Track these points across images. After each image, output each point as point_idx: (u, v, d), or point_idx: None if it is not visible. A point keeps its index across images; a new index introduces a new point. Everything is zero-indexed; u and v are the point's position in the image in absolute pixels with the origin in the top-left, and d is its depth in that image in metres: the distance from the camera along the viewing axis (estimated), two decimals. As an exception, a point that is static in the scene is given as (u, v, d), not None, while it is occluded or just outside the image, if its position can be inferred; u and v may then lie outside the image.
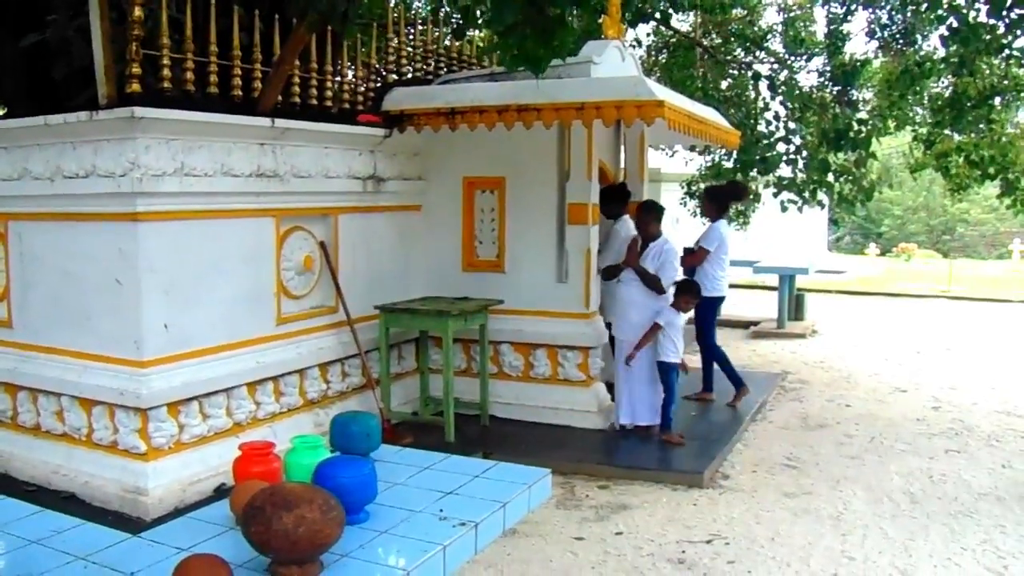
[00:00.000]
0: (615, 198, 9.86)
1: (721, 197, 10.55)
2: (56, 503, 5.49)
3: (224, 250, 7.52)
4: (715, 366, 10.52)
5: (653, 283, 8.96)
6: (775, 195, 15.70)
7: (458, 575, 3.65)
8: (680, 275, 9.33)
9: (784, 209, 15.80)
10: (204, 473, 7.13)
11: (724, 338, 15.60)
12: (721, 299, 10.40)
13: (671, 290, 9.08)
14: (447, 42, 11.03)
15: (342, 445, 4.11)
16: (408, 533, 3.55)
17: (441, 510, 3.78)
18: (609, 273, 9.35)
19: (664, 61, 18.31)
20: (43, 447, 7.59)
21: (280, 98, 8.12)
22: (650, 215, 9.25)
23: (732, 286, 20.46)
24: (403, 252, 9.58)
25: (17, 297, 7.85)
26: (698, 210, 9.99)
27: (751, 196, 18.38)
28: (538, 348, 9.35)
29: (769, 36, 18.54)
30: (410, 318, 8.85)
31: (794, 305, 17.18)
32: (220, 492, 6.97)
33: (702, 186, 20.15)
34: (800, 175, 15.17)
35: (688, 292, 9.06)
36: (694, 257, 10.19)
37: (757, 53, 18.48)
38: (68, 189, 7.19)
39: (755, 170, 15.59)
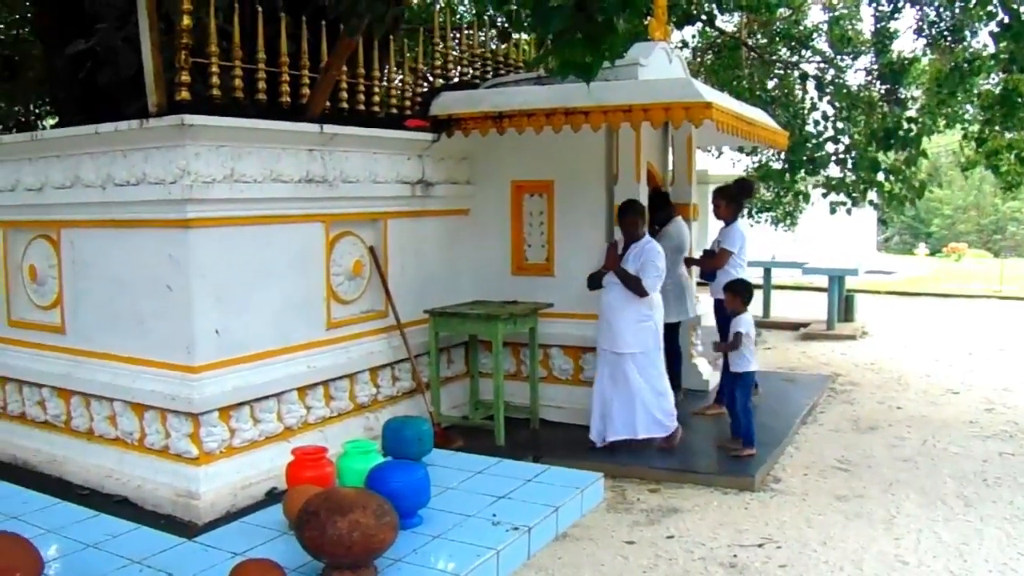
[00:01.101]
0: (653, 206, 9.71)
1: (736, 196, 10.06)
2: (109, 507, 5.54)
3: (274, 256, 7.56)
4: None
5: (633, 285, 8.39)
6: (824, 196, 15.61)
7: (509, 579, 3.64)
8: (662, 277, 8.53)
9: (833, 211, 15.70)
10: (255, 477, 7.17)
11: (774, 340, 15.56)
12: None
13: (655, 294, 8.52)
14: (493, 46, 11.03)
15: (394, 450, 4.11)
16: (461, 537, 3.54)
17: (494, 514, 3.77)
18: (592, 282, 8.77)
19: (710, 62, 18.25)
20: (96, 451, 7.66)
21: (328, 104, 8.16)
22: (632, 215, 8.58)
23: (780, 287, 20.52)
24: (452, 256, 9.59)
25: (70, 303, 7.93)
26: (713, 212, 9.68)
27: (802, 196, 18.30)
28: (588, 351, 9.30)
29: (815, 35, 18.46)
30: (460, 322, 8.85)
31: (844, 306, 17.04)
32: (271, 496, 7.00)
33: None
34: (849, 175, 15.06)
35: (736, 291, 8.84)
36: (716, 260, 9.82)
37: (803, 52, 18.40)
38: (119, 196, 7.25)
39: (804, 171, 15.50)
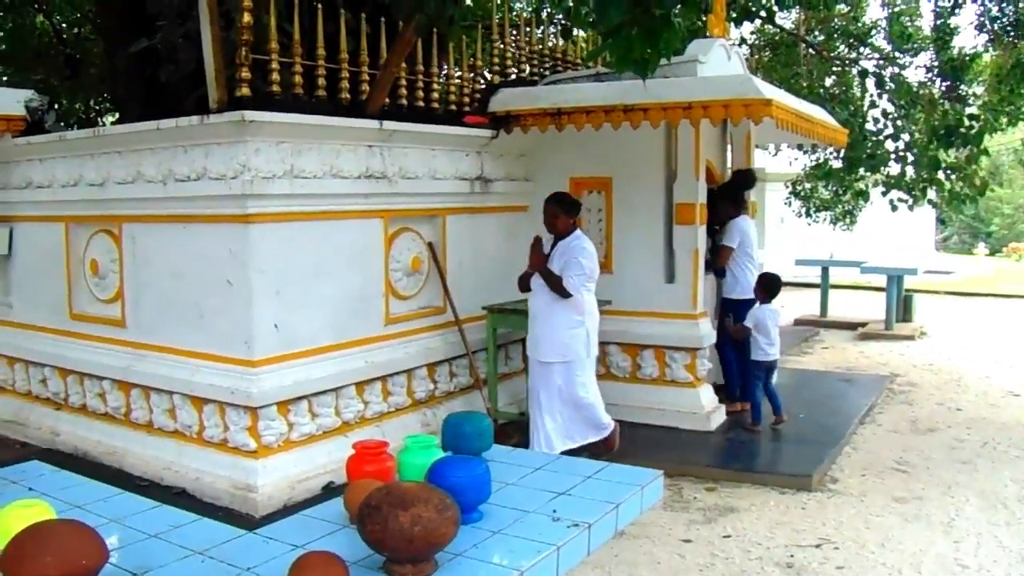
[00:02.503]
0: (711, 203, 9.59)
1: (732, 190, 9.87)
2: (168, 498, 5.58)
3: (333, 251, 7.60)
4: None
5: (556, 286, 7.80)
6: (884, 194, 15.47)
7: (567, 576, 3.63)
8: (591, 277, 7.95)
9: (894, 208, 15.57)
10: (312, 471, 7.22)
11: (831, 339, 15.44)
12: (751, 301, 9.50)
13: (587, 296, 7.94)
14: (551, 43, 11.03)
15: (454, 445, 4.10)
16: (521, 533, 3.52)
17: (554, 510, 3.74)
18: (522, 283, 8.23)
19: (767, 59, 18.14)
20: (155, 443, 7.75)
21: (387, 100, 8.18)
22: (557, 207, 8.05)
23: (838, 286, 20.36)
24: (510, 252, 9.57)
25: (131, 297, 8.02)
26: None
27: (861, 194, 18.14)
28: (645, 349, 9.30)
29: (873, 32, 18.30)
30: (517, 318, 8.82)
31: (902, 306, 16.86)
32: (328, 490, 7.05)
33: (807, 186, 19.96)
34: (909, 173, 14.91)
35: (762, 285, 9.18)
36: (719, 258, 9.72)
37: (861, 49, 18.24)
38: (180, 192, 7.33)
39: (863, 169, 15.38)
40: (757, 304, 9.18)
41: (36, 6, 15.55)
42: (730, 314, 9.55)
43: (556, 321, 7.89)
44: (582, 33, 11.29)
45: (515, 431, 8.55)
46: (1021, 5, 14.85)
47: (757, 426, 9.15)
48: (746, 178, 10.03)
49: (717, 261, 9.71)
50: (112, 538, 3.31)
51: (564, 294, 7.78)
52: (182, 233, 7.49)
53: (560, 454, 7.49)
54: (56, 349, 8.69)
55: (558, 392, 7.98)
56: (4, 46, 16.50)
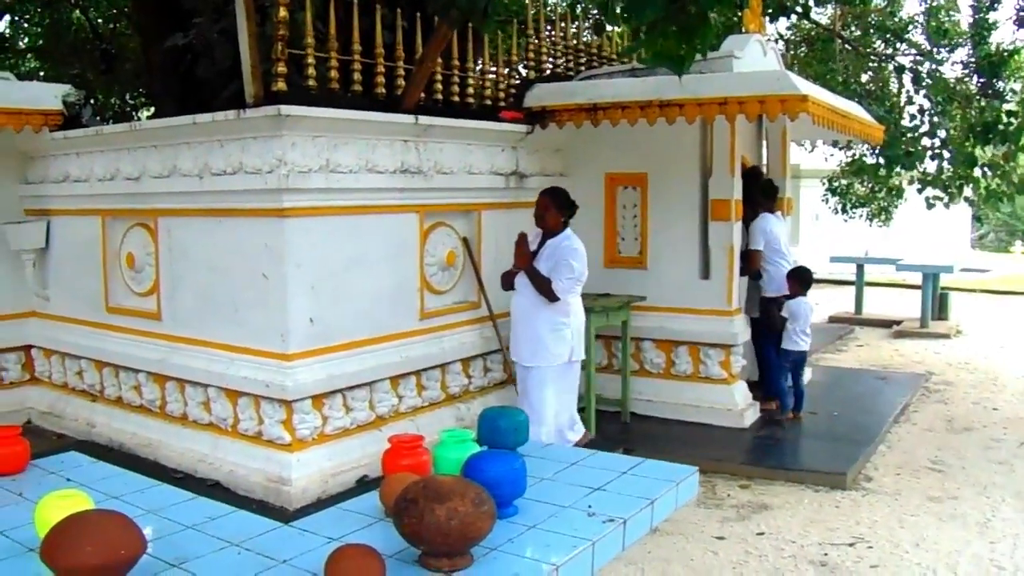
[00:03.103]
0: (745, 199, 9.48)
1: (744, 191, 9.53)
2: (202, 490, 5.61)
3: (368, 246, 7.62)
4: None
5: (543, 287, 7.39)
6: (920, 191, 15.37)
7: (601, 572, 3.62)
8: (580, 280, 7.61)
9: (930, 206, 15.46)
10: (346, 465, 7.24)
11: (866, 337, 15.36)
12: (790, 295, 9.42)
13: (572, 297, 7.59)
14: (587, 38, 11.01)
15: (489, 439, 4.10)
16: (556, 528, 3.51)
17: (589, 506, 3.73)
18: (505, 282, 7.86)
19: (803, 55, 18.06)
20: (190, 436, 7.80)
21: (423, 95, 8.20)
22: (550, 200, 7.70)
23: (873, 284, 20.25)
24: (545, 248, 9.57)
25: (166, 290, 8.06)
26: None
27: (897, 192, 18.04)
28: (680, 345, 9.29)
29: (910, 27, 18.18)
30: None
31: (938, 304, 16.72)
32: (362, 484, 7.07)
33: (843, 182, 19.86)
34: (946, 170, 14.81)
35: (794, 278, 9.27)
36: (750, 263, 9.60)
37: (898, 45, 18.14)
38: (216, 186, 7.35)
39: (899, 166, 15.28)
40: (797, 298, 9.23)
41: (73, 2, 15.67)
42: (774, 310, 9.51)
43: (539, 323, 7.50)
44: (616, 28, 11.28)
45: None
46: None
47: (786, 414, 9.29)
48: (752, 176, 9.95)
49: (749, 266, 9.61)
50: (149, 529, 3.32)
51: (551, 298, 7.41)
52: (218, 227, 7.52)
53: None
54: (92, 341, 8.75)
55: (544, 396, 7.57)
56: (41, 41, 16.66)
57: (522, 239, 7.64)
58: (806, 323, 9.19)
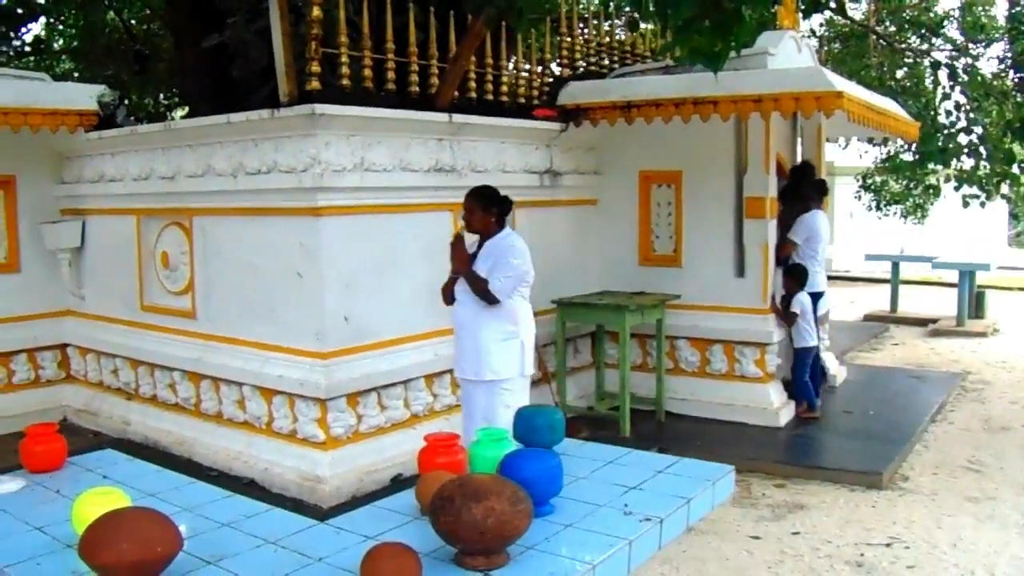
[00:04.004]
0: (783, 197, 9.47)
1: (794, 186, 9.62)
2: (237, 488, 5.62)
3: (403, 244, 7.62)
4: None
5: (479, 289, 6.38)
6: (956, 189, 15.25)
7: (636, 572, 3.61)
8: (524, 280, 6.55)
9: (966, 204, 15.34)
10: (381, 463, 7.24)
11: (901, 335, 15.26)
12: (818, 295, 9.47)
13: (522, 304, 6.58)
14: (620, 36, 10.98)
15: (525, 438, 4.10)
16: (593, 527, 3.50)
17: (625, 504, 3.72)
18: (446, 293, 6.73)
19: (838, 51, 17.96)
20: (225, 434, 7.83)
21: (456, 93, 8.19)
22: (473, 201, 6.57)
23: (908, 282, 20.12)
24: (579, 246, 9.58)
25: (201, 289, 8.08)
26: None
27: (933, 189, 17.91)
28: (715, 344, 9.25)
29: (946, 22, 18.04)
30: (587, 312, 8.84)
31: (974, 302, 16.56)
32: (396, 482, 7.06)
33: (878, 179, 19.75)
34: (983, 167, 14.68)
35: (789, 274, 9.26)
36: (781, 249, 9.47)
37: (933, 40, 18.00)
38: (250, 185, 7.37)
39: (935, 162, 15.16)
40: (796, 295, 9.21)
41: (107, 3, 15.75)
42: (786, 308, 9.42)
43: (484, 333, 6.47)
44: (649, 26, 11.23)
45: (584, 425, 8.50)
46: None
47: (814, 412, 9.29)
48: (804, 172, 9.88)
49: (778, 252, 9.44)
50: (184, 526, 3.33)
51: (489, 300, 6.40)
52: (252, 226, 7.54)
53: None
54: (127, 340, 8.79)
55: (482, 416, 6.50)
56: (76, 43, 16.77)
57: (458, 241, 6.61)
58: (811, 318, 9.18)
